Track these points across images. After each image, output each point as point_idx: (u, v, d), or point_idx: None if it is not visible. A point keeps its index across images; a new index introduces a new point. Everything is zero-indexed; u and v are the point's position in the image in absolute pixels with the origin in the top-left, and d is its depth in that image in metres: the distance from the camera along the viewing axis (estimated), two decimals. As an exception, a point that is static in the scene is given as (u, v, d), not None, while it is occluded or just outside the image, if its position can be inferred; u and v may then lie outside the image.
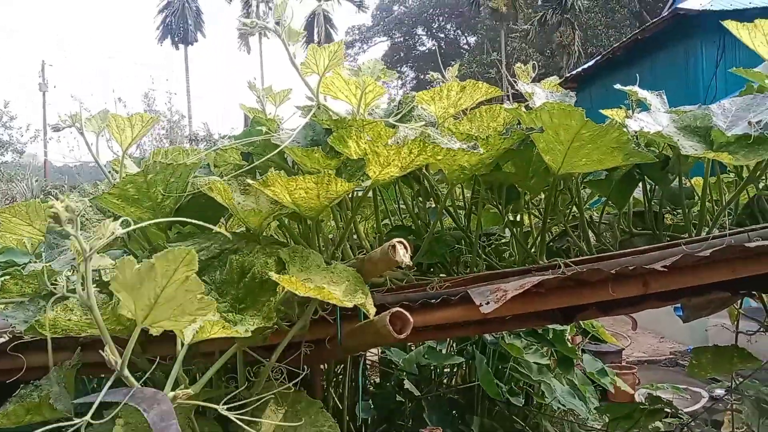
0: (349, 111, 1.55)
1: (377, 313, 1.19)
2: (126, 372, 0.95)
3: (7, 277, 1.88)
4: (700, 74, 10.97)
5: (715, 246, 1.40)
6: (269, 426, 1.13)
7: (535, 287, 1.39)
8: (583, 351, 3.76)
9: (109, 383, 1.00)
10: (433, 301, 1.39)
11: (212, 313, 0.90)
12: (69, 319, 1.02)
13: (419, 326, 1.22)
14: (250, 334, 0.96)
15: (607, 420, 3.00)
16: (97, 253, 1.21)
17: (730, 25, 1.49)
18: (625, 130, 1.33)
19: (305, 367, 1.35)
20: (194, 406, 0.99)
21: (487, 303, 1.31)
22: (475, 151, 1.16)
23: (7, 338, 1.41)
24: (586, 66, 14.37)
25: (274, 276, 1.00)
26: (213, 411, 1.07)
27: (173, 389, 0.97)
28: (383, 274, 1.46)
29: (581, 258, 1.62)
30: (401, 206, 2.20)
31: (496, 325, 2.05)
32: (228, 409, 0.95)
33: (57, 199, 0.95)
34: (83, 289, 0.97)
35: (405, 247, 1.08)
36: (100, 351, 0.93)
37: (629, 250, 1.62)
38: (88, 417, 0.92)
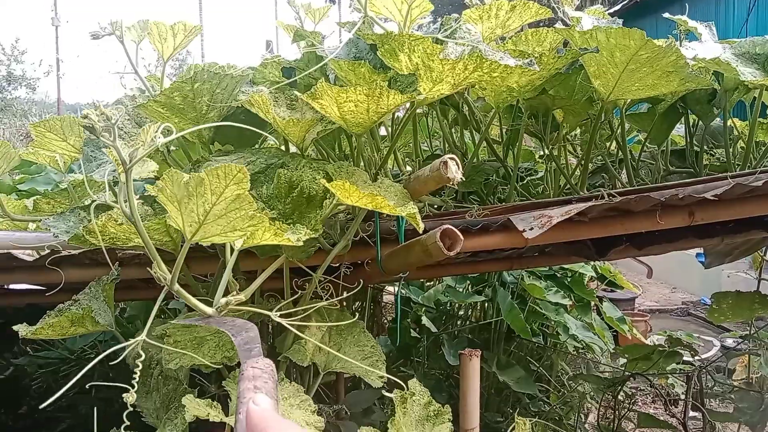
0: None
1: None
2: (177, 286, 0.93)
3: (39, 196, 1.88)
4: (730, 21, 10.62)
5: (763, 179, 1.36)
6: (313, 344, 1.13)
7: (579, 215, 1.36)
8: (599, 299, 3.77)
9: (158, 302, 1.00)
10: (472, 228, 1.37)
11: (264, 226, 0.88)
12: (120, 224, 1.00)
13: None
14: (301, 242, 0.95)
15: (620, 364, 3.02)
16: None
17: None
18: (682, 53, 1.27)
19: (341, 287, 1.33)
20: (246, 312, 0.98)
21: (531, 229, 1.29)
22: (531, 68, 1.11)
23: (45, 252, 1.40)
24: (611, 10, 13.90)
25: (326, 183, 0.98)
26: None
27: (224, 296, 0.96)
28: (422, 199, 1.44)
29: (622, 190, 1.58)
30: (432, 139, 2.17)
31: (526, 260, 2.04)
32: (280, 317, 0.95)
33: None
34: (125, 202, 0.92)
35: (457, 164, 1.05)
36: (148, 269, 0.91)
37: (672, 183, 1.58)
38: (144, 335, 0.91)
